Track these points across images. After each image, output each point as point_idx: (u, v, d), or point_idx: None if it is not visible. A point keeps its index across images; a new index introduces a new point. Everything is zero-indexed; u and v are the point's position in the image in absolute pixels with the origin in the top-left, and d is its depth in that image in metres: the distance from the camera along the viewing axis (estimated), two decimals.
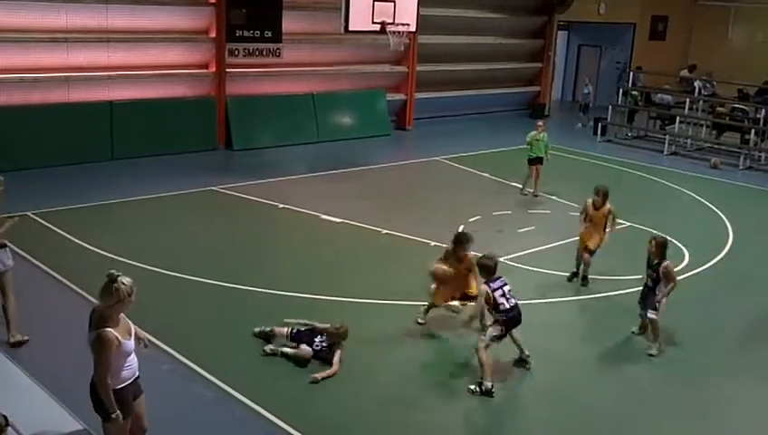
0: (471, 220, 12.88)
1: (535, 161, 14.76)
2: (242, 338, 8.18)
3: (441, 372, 7.89)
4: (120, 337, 5.22)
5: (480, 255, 7.95)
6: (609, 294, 10.12)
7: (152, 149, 16.34)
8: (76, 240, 10.98)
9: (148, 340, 6.01)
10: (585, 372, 8.12)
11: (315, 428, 6.70)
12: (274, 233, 12.17)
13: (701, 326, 9.33)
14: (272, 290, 9.58)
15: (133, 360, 5.45)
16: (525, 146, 14.99)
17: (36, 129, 15.06)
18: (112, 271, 5.31)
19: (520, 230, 12.60)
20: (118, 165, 15.63)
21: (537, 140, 14.69)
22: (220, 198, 13.88)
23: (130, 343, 5.38)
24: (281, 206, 13.31)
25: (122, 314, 5.38)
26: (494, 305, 7.49)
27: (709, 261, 11.52)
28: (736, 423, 7.32)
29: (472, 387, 7.44)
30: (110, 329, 5.18)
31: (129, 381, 5.44)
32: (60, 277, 9.65)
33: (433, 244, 11.46)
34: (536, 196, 14.80)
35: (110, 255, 10.38)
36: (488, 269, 7.61)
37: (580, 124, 23.56)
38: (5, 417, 5.45)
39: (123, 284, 5.21)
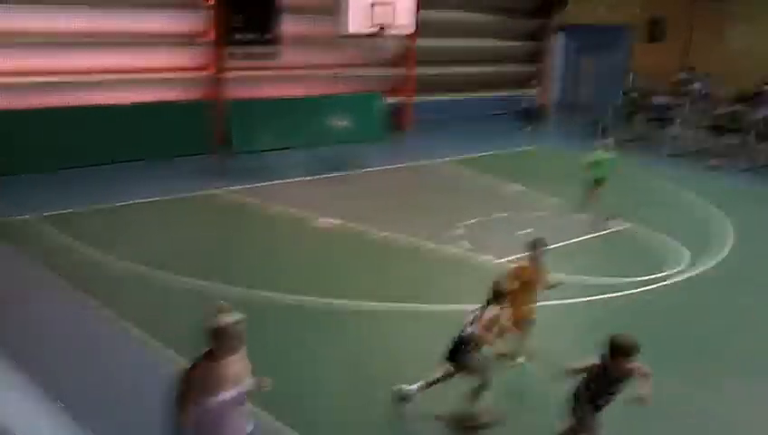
0: (469, 223, 12.87)
1: (601, 182, 12.94)
2: None
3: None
4: (207, 381, 4.33)
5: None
6: (606, 296, 10.09)
7: (151, 153, 16.36)
8: (76, 243, 10.96)
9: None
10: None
11: (315, 428, 6.68)
12: (272, 236, 12.15)
13: (702, 328, 9.30)
14: (269, 292, 9.56)
15: (237, 422, 4.59)
16: (585, 166, 13.08)
17: (35, 133, 15.06)
18: (222, 302, 4.55)
19: (518, 233, 12.57)
20: (117, 168, 15.62)
21: (603, 159, 12.92)
22: (218, 200, 13.87)
23: (224, 395, 4.45)
24: (279, 208, 13.29)
25: (240, 361, 4.52)
26: None
27: (710, 261, 11.51)
28: (744, 425, 7.29)
29: None
30: (197, 367, 4.41)
31: None
32: (60, 280, 9.62)
33: (432, 246, 11.46)
34: (608, 219, 12.99)
35: (109, 258, 10.38)
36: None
37: (529, 128, 22.71)
38: None
39: (210, 323, 4.39)
